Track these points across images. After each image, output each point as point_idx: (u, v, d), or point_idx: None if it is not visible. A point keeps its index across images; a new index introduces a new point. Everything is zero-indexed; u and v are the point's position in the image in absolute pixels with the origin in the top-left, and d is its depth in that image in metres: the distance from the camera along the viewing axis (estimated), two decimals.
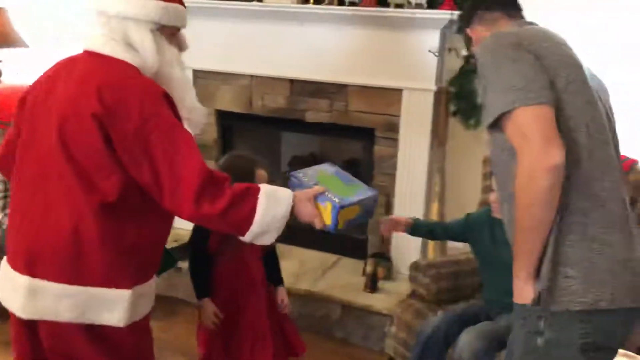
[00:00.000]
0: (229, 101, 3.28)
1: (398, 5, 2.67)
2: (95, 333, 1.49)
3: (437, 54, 2.64)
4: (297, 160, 3.71)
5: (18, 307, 1.45)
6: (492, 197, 2.10)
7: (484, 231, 2.18)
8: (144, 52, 1.50)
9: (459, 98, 2.74)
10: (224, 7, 3.04)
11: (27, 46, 3.53)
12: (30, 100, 1.53)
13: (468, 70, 2.68)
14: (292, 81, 3.09)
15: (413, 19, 2.65)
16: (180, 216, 1.44)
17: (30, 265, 1.44)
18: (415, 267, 2.51)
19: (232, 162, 2.11)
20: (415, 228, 2.27)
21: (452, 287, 2.45)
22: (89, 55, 1.50)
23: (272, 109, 3.18)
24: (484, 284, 2.28)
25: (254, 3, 2.93)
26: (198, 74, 3.30)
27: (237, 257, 2.10)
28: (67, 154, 1.41)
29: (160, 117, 1.41)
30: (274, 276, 2.23)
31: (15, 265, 1.47)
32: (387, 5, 2.70)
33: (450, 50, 2.67)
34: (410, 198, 2.93)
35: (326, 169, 1.73)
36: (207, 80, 3.29)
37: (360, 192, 1.64)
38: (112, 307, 1.47)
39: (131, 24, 1.49)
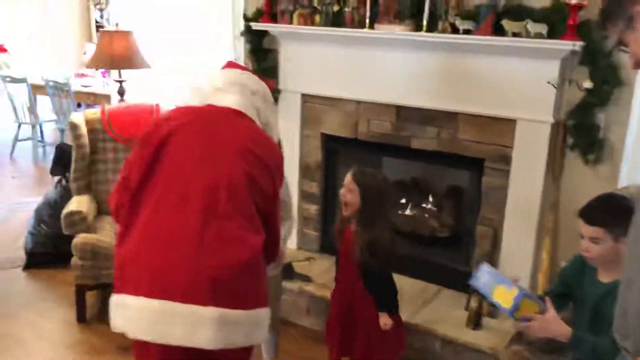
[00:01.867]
0: (335, 125, 3.31)
1: (516, 34, 2.57)
2: (241, 356, 1.64)
3: (556, 85, 2.52)
4: (399, 184, 3.68)
5: (205, 339, 1.48)
6: (584, 245, 1.84)
7: (582, 281, 1.95)
8: (268, 124, 1.90)
9: (578, 132, 2.59)
10: (333, 33, 3.07)
11: (149, 67, 3.75)
12: (175, 139, 1.66)
13: (589, 104, 2.53)
14: (399, 107, 3.07)
15: (531, 48, 2.55)
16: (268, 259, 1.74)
17: (216, 295, 1.49)
18: None
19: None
20: None
21: None
22: (233, 111, 1.78)
23: (377, 135, 3.18)
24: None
25: (365, 30, 2.93)
26: (306, 98, 3.36)
27: (338, 262, 2.49)
28: (252, 196, 1.62)
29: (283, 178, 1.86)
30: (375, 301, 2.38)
31: (189, 298, 1.48)
32: (503, 33, 2.62)
33: (570, 82, 2.54)
34: (520, 233, 2.81)
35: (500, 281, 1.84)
36: (314, 104, 3.35)
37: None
38: (263, 325, 1.63)
39: (262, 103, 1.89)
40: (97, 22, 7.62)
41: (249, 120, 1.80)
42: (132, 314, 1.54)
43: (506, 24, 2.57)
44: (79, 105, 6.12)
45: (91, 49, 6.82)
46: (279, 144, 2.33)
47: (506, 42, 2.58)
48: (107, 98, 5.71)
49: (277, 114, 2.03)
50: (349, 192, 2.29)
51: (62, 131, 6.00)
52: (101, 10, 7.18)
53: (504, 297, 1.73)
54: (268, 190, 1.68)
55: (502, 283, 1.77)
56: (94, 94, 5.95)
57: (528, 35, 2.54)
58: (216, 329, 1.47)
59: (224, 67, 2.00)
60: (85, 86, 6.03)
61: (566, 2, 2.42)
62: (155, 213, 1.59)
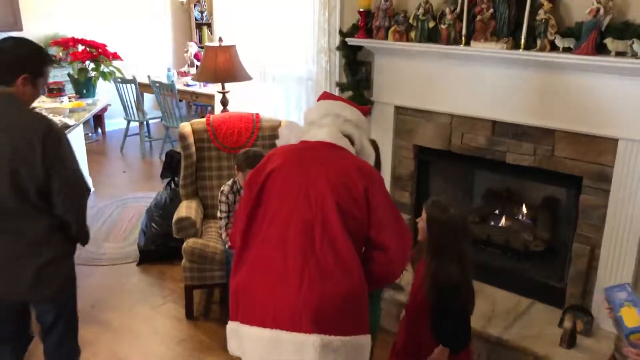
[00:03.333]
0: (428, 137, 3.35)
1: (620, 54, 2.50)
2: None
3: None
4: (491, 194, 3.67)
5: None
6: None
7: None
8: (363, 149, 1.97)
9: None
10: (429, 50, 3.10)
11: (250, 79, 3.94)
12: (273, 181, 1.80)
13: None
14: (494, 122, 3.06)
15: (637, 69, 2.46)
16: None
17: (318, 324, 1.65)
18: None
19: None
20: None
21: None
22: (325, 144, 1.84)
23: (471, 148, 3.19)
24: None
25: (461, 47, 2.94)
26: (399, 110, 3.43)
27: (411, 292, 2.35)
28: (346, 226, 1.71)
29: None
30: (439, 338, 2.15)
31: (295, 328, 1.65)
32: (606, 51, 2.55)
33: None
34: (619, 254, 2.75)
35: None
36: (407, 116, 3.40)
37: None
38: (364, 350, 1.74)
39: (356, 129, 1.95)
40: (196, 20, 8.03)
41: (341, 150, 1.85)
42: (247, 342, 1.74)
43: (610, 42, 2.49)
44: (180, 100, 6.51)
45: (192, 47, 7.22)
46: (375, 147, 2.32)
47: (609, 63, 2.51)
48: (208, 97, 6.04)
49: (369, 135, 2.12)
50: (421, 220, 2.19)
51: (167, 128, 6.41)
52: (201, 12, 7.54)
53: (630, 316, 1.70)
54: (361, 217, 1.76)
55: (636, 306, 1.73)
56: (196, 93, 6.31)
57: (634, 54, 2.46)
58: (320, 354, 1.63)
59: (319, 98, 2.09)
60: (188, 85, 6.39)
61: None
62: (260, 250, 1.77)
